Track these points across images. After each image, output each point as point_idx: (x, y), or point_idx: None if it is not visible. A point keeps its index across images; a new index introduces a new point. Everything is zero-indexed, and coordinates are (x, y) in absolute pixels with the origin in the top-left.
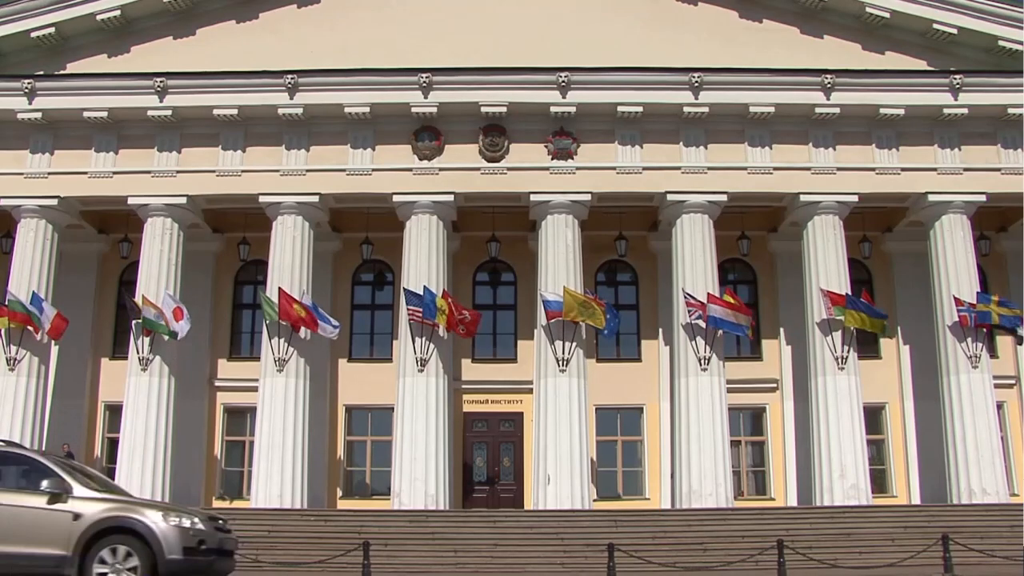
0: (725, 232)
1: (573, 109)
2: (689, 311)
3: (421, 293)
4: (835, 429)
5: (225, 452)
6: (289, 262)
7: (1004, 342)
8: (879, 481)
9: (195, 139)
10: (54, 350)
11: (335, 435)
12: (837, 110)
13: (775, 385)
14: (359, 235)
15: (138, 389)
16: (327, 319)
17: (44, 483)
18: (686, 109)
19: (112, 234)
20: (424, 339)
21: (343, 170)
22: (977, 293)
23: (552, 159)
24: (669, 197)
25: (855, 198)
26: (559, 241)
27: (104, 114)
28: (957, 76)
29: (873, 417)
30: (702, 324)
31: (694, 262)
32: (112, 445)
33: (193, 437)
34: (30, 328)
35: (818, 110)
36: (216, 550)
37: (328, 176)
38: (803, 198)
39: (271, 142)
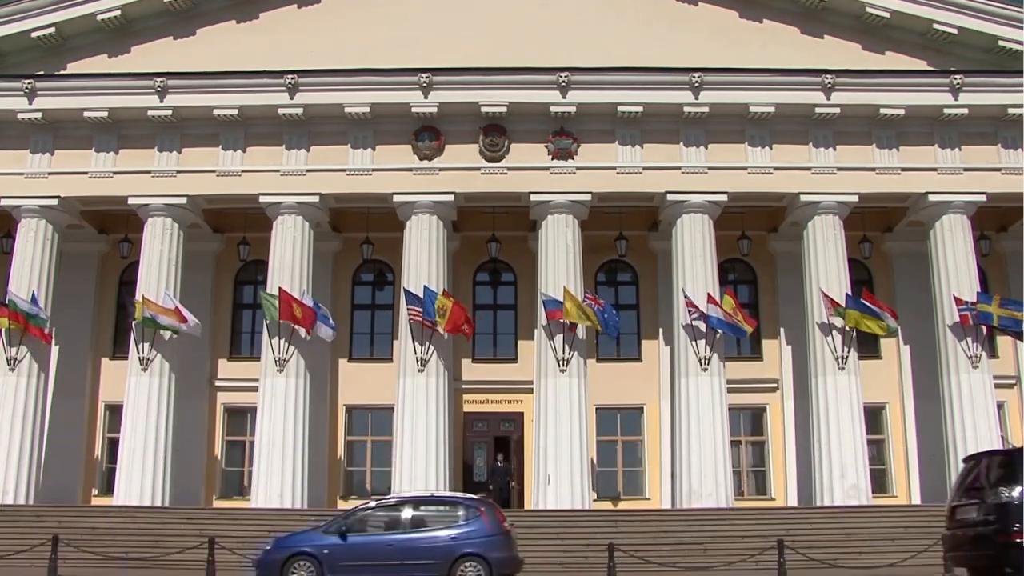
0: (725, 232)
1: (573, 109)
2: (689, 311)
3: (421, 293)
4: (835, 429)
5: (225, 452)
6: (289, 262)
7: (1004, 342)
8: (879, 481)
9: (195, 139)
10: (54, 350)
11: (335, 435)
12: (837, 110)
13: (775, 385)
14: (359, 235)
15: (138, 389)
16: (327, 319)
17: None
18: (686, 109)
19: (112, 234)
20: (424, 339)
21: (343, 170)
22: (977, 293)
23: (552, 159)
24: (669, 197)
25: (855, 198)
26: (559, 241)
27: (104, 114)
28: (957, 76)
29: (873, 417)
30: (702, 325)
31: (694, 262)
32: (112, 445)
33: (193, 437)
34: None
35: (818, 110)
36: None
37: (328, 176)
38: (803, 198)
39: (271, 142)
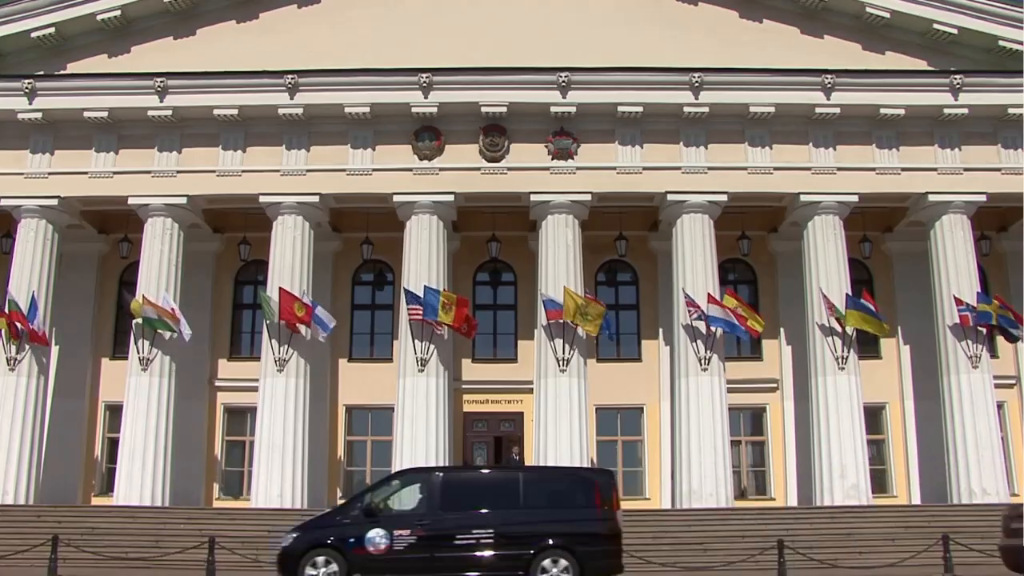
0: (725, 232)
1: (573, 109)
2: (689, 311)
3: (421, 293)
4: (835, 429)
5: (225, 452)
6: (289, 262)
7: (1004, 342)
8: (879, 481)
9: (195, 139)
10: (54, 350)
11: (335, 435)
12: (837, 110)
13: (775, 385)
14: (359, 235)
15: (138, 389)
16: (322, 322)
17: None
18: (686, 109)
19: (112, 234)
20: (424, 339)
21: (343, 170)
22: (977, 293)
23: (552, 159)
24: (669, 197)
25: (855, 198)
26: (559, 241)
27: (104, 114)
28: (957, 76)
29: (873, 417)
30: (702, 325)
31: (694, 262)
32: (112, 445)
33: (193, 437)
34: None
35: (818, 110)
36: None
37: (328, 176)
38: (803, 198)
39: (271, 142)
